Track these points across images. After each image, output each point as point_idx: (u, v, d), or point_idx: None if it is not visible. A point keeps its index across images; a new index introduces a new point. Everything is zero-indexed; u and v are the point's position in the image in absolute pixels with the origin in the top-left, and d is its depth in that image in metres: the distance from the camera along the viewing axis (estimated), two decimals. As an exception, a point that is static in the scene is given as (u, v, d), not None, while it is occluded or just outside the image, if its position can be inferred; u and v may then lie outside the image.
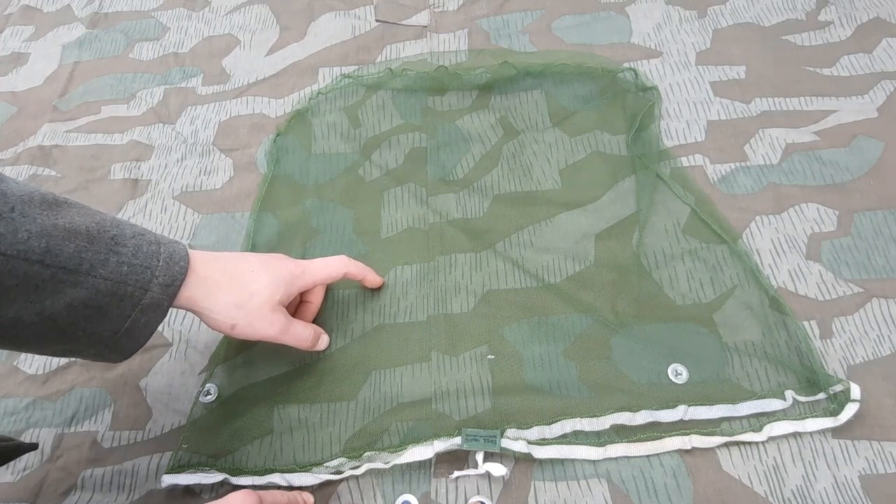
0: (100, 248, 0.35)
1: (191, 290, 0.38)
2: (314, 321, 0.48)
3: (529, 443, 0.41)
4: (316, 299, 0.48)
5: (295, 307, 0.48)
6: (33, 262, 0.32)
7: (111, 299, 0.35)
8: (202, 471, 0.42)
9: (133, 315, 0.36)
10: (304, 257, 0.53)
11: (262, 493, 0.37)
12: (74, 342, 0.36)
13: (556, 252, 0.50)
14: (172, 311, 0.51)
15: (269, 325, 0.41)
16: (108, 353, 0.37)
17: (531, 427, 0.42)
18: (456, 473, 0.41)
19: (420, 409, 0.44)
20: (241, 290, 0.40)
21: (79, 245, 0.34)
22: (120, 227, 0.37)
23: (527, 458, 0.41)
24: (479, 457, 0.41)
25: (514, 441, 0.41)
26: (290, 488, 0.41)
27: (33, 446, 0.43)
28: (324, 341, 0.47)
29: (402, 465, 0.42)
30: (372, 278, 0.49)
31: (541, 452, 0.41)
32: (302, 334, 0.44)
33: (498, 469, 0.40)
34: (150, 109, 0.66)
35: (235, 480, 0.42)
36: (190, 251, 0.39)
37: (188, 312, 0.50)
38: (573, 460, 0.41)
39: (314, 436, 0.44)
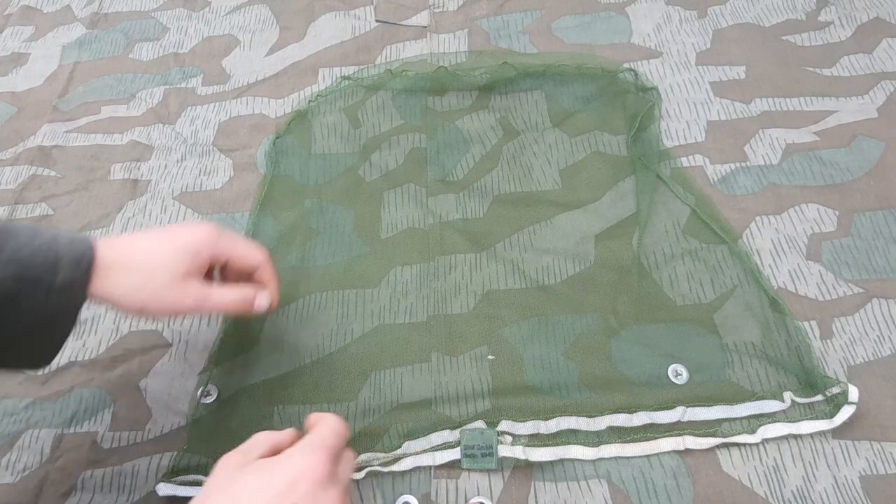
0: None
1: (93, 278, 0.36)
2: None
3: (525, 446, 0.41)
4: (265, 276, 0.43)
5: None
6: None
7: (20, 285, 0.33)
8: (201, 481, 0.42)
9: (50, 298, 0.34)
10: (304, 258, 0.53)
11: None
12: None
13: (556, 253, 0.50)
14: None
15: (181, 298, 0.38)
16: (27, 353, 0.36)
17: (527, 421, 0.42)
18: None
19: (420, 410, 0.44)
20: (141, 269, 0.37)
21: None
22: (12, 223, 0.36)
23: (524, 465, 0.41)
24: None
25: (512, 447, 0.41)
26: None
27: None
28: (262, 298, 0.42)
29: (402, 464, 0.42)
30: (273, 295, 0.43)
31: (537, 455, 0.41)
32: (225, 298, 0.40)
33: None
34: (149, 110, 0.66)
35: None
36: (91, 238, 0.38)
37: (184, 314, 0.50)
38: (573, 461, 0.41)
39: (314, 436, 0.44)
